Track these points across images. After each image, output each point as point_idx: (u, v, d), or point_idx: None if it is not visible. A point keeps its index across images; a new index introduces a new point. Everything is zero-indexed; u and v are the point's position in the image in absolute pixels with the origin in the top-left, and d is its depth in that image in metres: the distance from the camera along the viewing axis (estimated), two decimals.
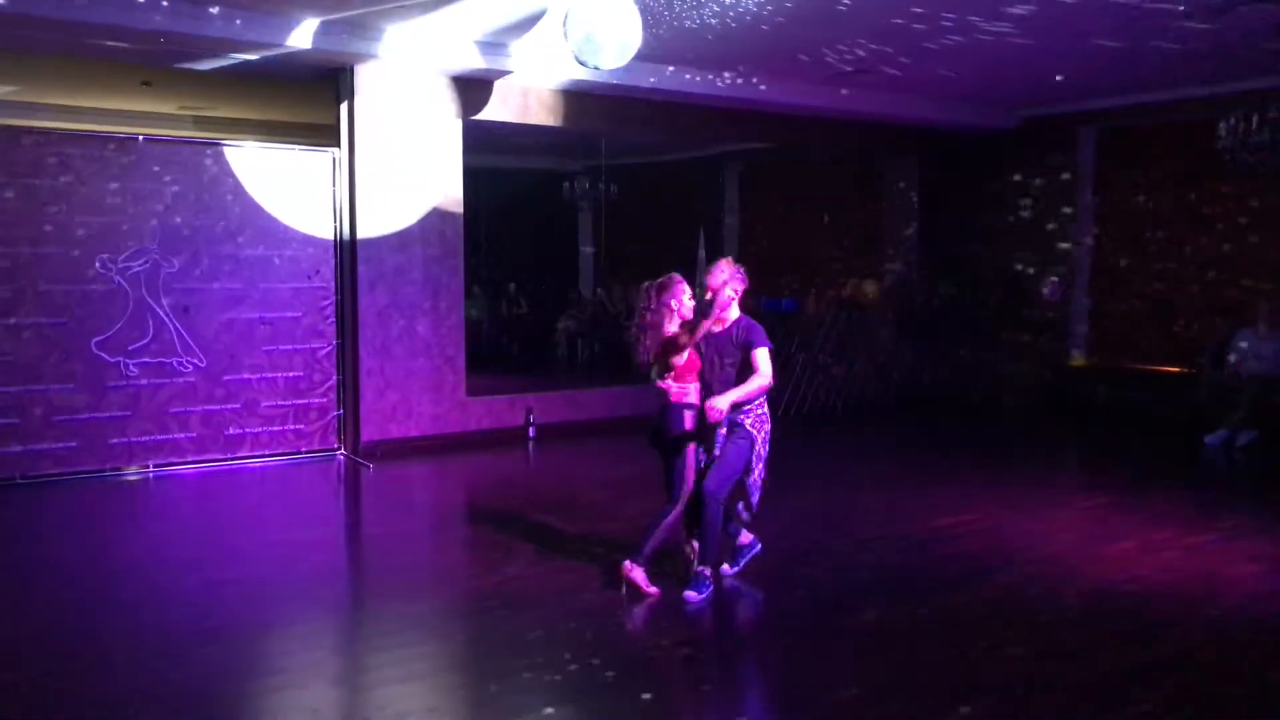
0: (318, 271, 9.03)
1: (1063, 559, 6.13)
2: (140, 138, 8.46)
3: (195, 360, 8.49)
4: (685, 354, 5.30)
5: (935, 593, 5.49)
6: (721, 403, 5.22)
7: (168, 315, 8.38)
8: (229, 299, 8.63)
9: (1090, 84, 10.50)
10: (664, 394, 5.37)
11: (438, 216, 9.48)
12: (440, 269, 9.54)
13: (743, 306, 5.54)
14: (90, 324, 8.07)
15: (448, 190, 9.54)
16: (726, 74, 9.92)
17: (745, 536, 5.72)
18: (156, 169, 8.31)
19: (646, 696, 4.24)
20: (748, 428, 5.37)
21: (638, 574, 5.31)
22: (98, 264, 8.08)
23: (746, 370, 5.34)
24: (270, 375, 8.82)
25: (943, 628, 5.00)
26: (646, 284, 5.46)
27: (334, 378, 9.12)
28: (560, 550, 6.23)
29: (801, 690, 4.35)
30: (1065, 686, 4.31)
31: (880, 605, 5.32)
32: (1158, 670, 4.51)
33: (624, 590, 5.35)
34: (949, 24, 8.04)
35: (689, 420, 5.33)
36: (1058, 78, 10.08)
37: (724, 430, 5.36)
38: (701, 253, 13.63)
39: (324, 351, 9.08)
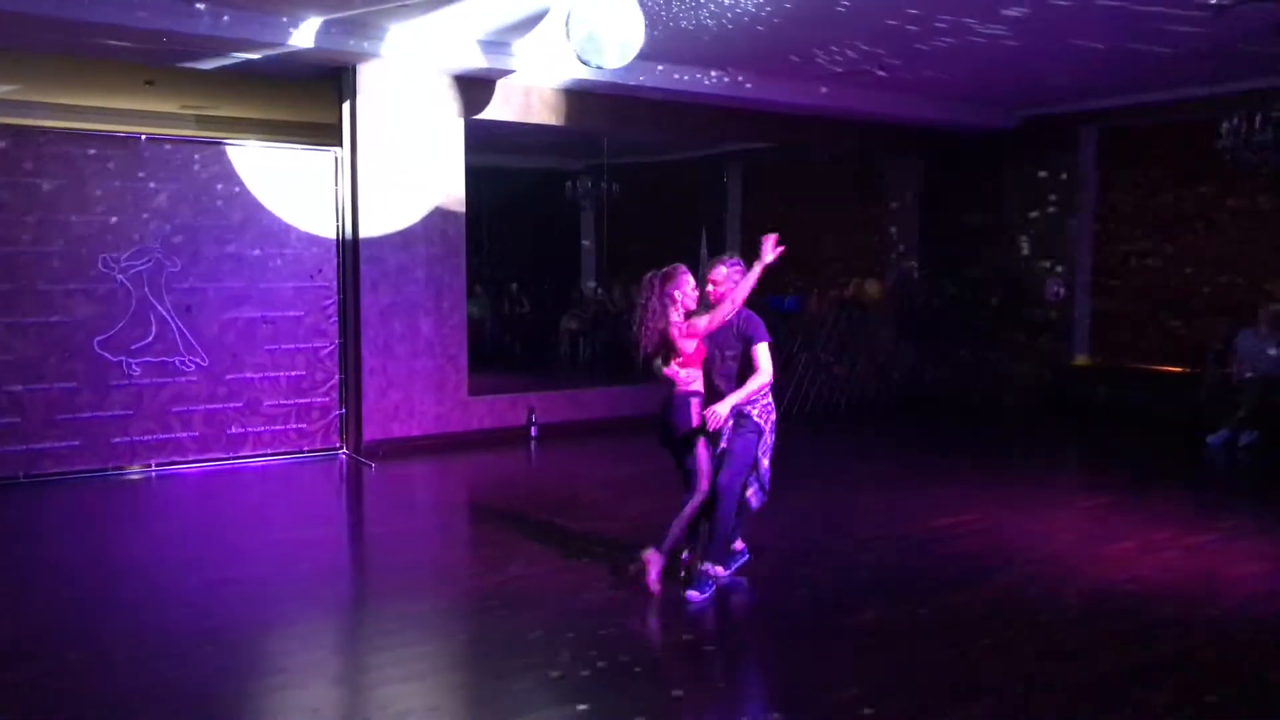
0: (320, 270, 9.04)
1: (1063, 559, 6.13)
2: (143, 137, 8.47)
3: (197, 359, 8.51)
4: (694, 343, 5.31)
5: (935, 593, 5.49)
6: (723, 409, 5.25)
7: (170, 314, 8.39)
8: (231, 298, 8.64)
9: (1090, 84, 10.50)
10: (670, 382, 5.37)
11: (440, 216, 9.49)
12: (442, 268, 9.54)
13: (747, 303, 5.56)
14: (92, 323, 8.08)
15: (450, 189, 9.54)
16: (728, 74, 9.92)
17: (738, 544, 5.74)
18: (159, 168, 8.32)
19: (647, 696, 4.25)
20: (755, 419, 5.42)
21: (656, 566, 5.30)
22: (100, 263, 8.09)
23: (747, 362, 5.37)
24: (272, 374, 8.84)
25: (943, 628, 5.00)
26: (650, 274, 5.43)
27: (336, 377, 9.13)
28: (562, 550, 6.24)
29: (801, 690, 4.36)
30: (1065, 686, 4.32)
31: (880, 605, 5.32)
32: (1158, 670, 4.51)
33: (632, 569, 5.36)
34: (943, 26, 8.06)
35: (694, 410, 5.32)
36: (1057, 79, 10.09)
37: (730, 423, 5.40)
38: (704, 251, 13.60)
39: (326, 351, 9.09)
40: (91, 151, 8.10)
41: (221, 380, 8.61)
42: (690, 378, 5.35)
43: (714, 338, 5.39)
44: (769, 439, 5.50)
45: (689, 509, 5.37)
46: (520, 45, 8.85)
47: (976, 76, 10.06)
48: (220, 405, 8.61)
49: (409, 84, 9.16)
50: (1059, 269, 12.24)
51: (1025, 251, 12.54)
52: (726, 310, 5.24)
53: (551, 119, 9.99)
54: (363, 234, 9.07)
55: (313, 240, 8.99)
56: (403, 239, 9.28)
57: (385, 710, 4.14)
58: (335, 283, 9.09)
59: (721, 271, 5.41)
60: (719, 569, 5.51)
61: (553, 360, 15.29)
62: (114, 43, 7.81)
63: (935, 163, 12.89)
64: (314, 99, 9.95)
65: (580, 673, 4.41)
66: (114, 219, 8.14)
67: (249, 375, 8.73)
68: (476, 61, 8.86)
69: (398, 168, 9.20)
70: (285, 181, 8.86)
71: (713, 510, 5.38)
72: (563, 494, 7.90)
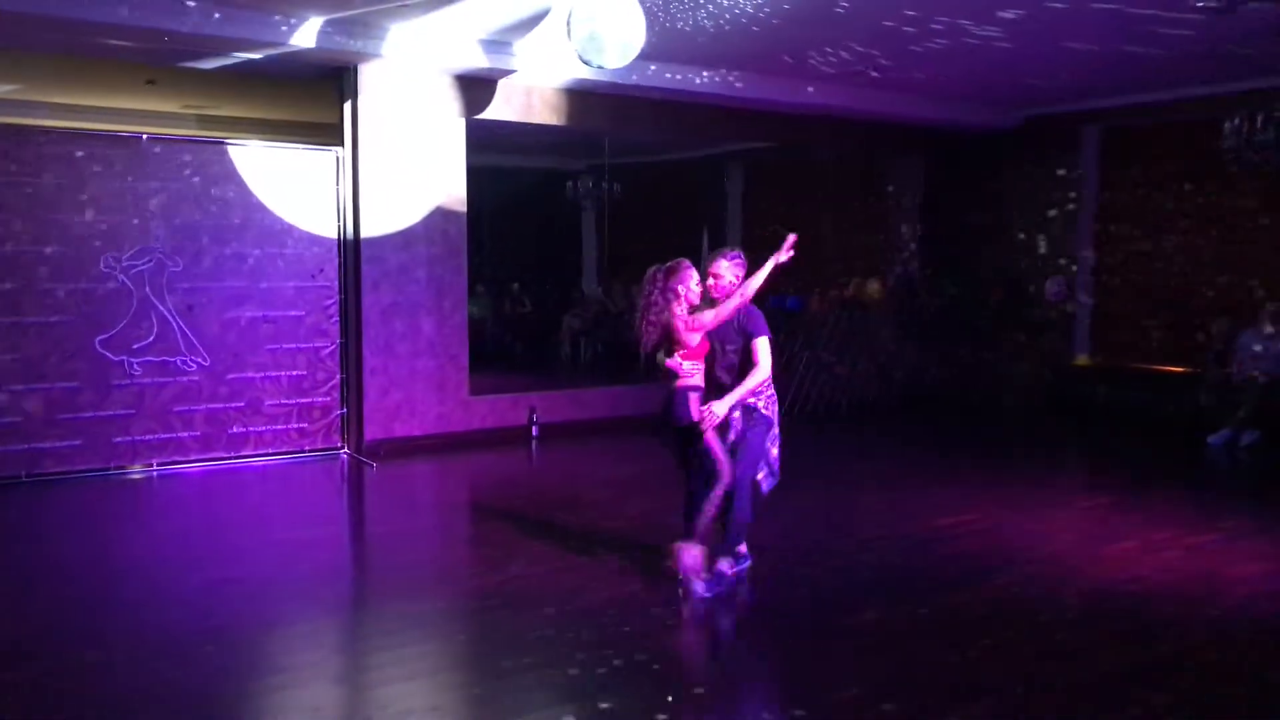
0: (321, 270, 9.04)
1: (1063, 559, 6.13)
2: (144, 136, 8.47)
3: (199, 359, 8.51)
4: (698, 336, 5.31)
5: (935, 593, 5.50)
6: (720, 409, 5.27)
7: (171, 314, 8.39)
8: (232, 298, 8.65)
9: (1091, 84, 10.50)
10: (673, 374, 5.37)
11: (441, 215, 9.49)
12: (444, 268, 9.55)
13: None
14: (94, 322, 8.09)
15: (451, 189, 9.55)
16: (729, 73, 9.93)
17: (741, 547, 5.73)
18: (160, 168, 8.32)
19: (646, 696, 4.25)
20: (763, 411, 5.47)
21: (689, 556, 5.27)
22: (101, 263, 8.10)
23: (748, 355, 5.39)
24: (274, 374, 8.84)
25: (943, 628, 5.01)
26: (654, 268, 5.42)
27: (337, 376, 9.13)
28: (563, 549, 6.24)
29: (801, 690, 4.36)
30: (1065, 686, 4.32)
31: (881, 605, 5.32)
32: (1158, 670, 4.51)
33: (669, 562, 5.35)
34: (939, 27, 8.06)
35: (694, 405, 5.32)
36: (1056, 79, 10.08)
37: (737, 415, 5.42)
38: (705, 251, 13.62)
39: (327, 350, 9.09)
40: (93, 151, 8.10)
41: (223, 380, 8.62)
42: (692, 371, 5.35)
43: (716, 331, 5.41)
44: (774, 430, 5.56)
45: (716, 494, 5.28)
46: (521, 45, 8.85)
47: (975, 77, 10.06)
48: (221, 405, 8.62)
49: (410, 84, 9.16)
50: (1061, 269, 12.23)
51: (1026, 251, 12.54)
52: (735, 304, 5.24)
53: (553, 119, 9.99)
54: (364, 234, 9.07)
55: (314, 240, 9.00)
56: (404, 239, 9.29)
57: (386, 710, 4.14)
58: (336, 282, 9.10)
59: (722, 264, 5.42)
60: (728, 566, 5.50)
61: (554, 360, 15.28)
62: (115, 42, 7.82)
63: (937, 162, 12.88)
64: (315, 99, 9.95)
65: (581, 672, 4.41)
66: (115, 218, 8.15)
67: (250, 375, 8.74)
68: (478, 61, 8.87)
69: (399, 167, 9.21)
70: (287, 181, 8.87)
71: (728, 507, 5.38)
72: (564, 493, 7.90)
